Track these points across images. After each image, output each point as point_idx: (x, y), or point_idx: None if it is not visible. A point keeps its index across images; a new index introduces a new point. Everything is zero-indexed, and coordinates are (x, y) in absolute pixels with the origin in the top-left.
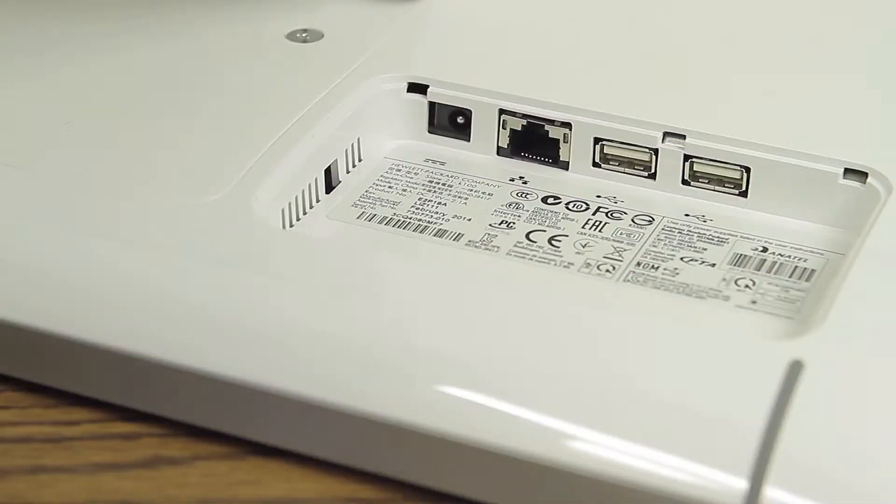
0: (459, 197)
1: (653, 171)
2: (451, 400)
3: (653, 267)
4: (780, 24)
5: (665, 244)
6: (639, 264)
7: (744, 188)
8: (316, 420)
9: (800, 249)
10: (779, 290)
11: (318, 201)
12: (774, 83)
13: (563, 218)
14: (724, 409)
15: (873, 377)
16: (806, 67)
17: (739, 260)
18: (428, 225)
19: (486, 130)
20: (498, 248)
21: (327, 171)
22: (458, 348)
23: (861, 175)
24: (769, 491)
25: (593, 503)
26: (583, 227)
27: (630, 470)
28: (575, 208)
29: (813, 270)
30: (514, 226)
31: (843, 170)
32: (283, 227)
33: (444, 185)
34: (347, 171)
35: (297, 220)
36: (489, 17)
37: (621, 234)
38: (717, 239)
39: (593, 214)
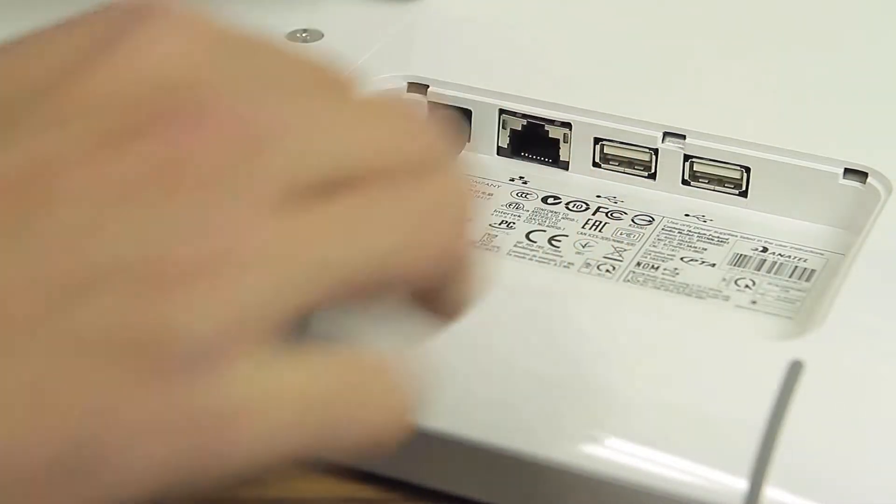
0: None
1: (653, 171)
2: (452, 400)
3: (653, 267)
4: (781, 24)
5: (665, 244)
6: (639, 264)
7: (744, 188)
8: None
9: (800, 249)
10: (779, 290)
11: None
12: (775, 83)
13: (563, 218)
14: (723, 409)
15: (873, 377)
16: (806, 67)
17: (739, 260)
18: None
19: (486, 130)
20: (498, 248)
21: None
22: (457, 348)
23: (861, 175)
24: (769, 491)
25: (593, 503)
26: (583, 227)
27: (630, 470)
28: (575, 208)
29: (813, 270)
30: (514, 226)
31: (843, 170)
32: None
33: None
34: None
35: None
36: (489, 17)
37: (621, 234)
38: (717, 239)
39: (593, 214)
